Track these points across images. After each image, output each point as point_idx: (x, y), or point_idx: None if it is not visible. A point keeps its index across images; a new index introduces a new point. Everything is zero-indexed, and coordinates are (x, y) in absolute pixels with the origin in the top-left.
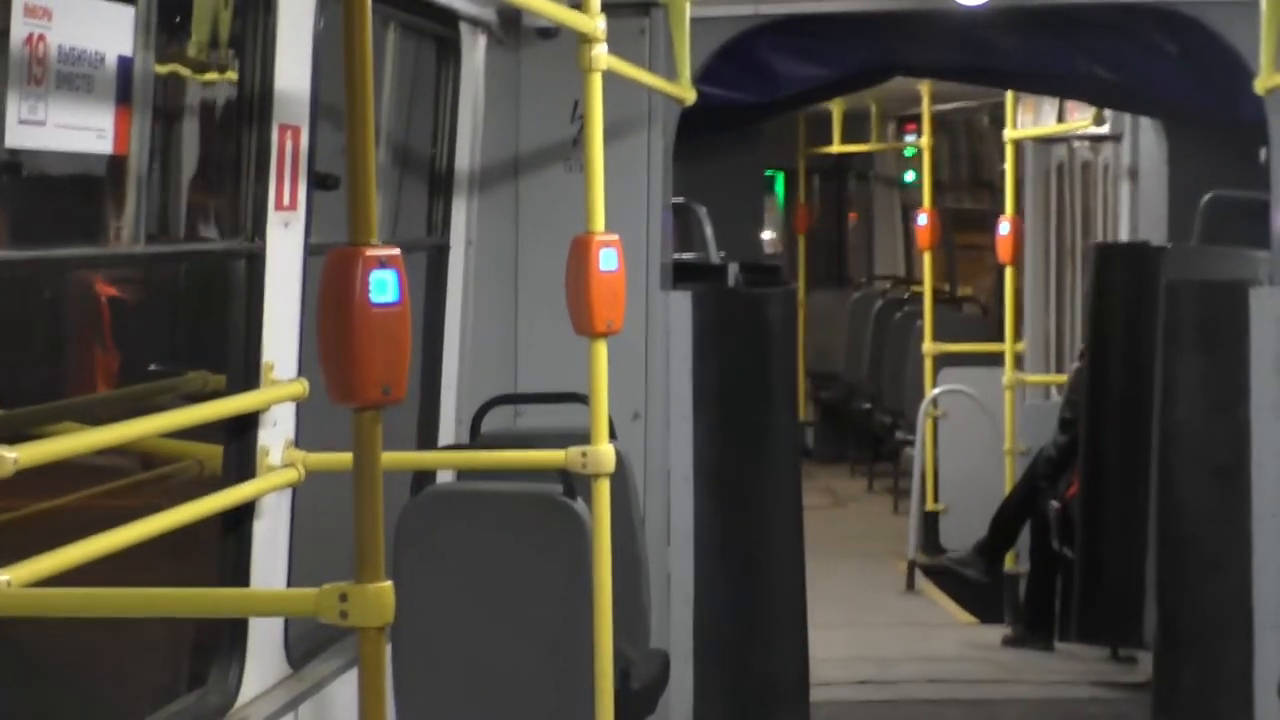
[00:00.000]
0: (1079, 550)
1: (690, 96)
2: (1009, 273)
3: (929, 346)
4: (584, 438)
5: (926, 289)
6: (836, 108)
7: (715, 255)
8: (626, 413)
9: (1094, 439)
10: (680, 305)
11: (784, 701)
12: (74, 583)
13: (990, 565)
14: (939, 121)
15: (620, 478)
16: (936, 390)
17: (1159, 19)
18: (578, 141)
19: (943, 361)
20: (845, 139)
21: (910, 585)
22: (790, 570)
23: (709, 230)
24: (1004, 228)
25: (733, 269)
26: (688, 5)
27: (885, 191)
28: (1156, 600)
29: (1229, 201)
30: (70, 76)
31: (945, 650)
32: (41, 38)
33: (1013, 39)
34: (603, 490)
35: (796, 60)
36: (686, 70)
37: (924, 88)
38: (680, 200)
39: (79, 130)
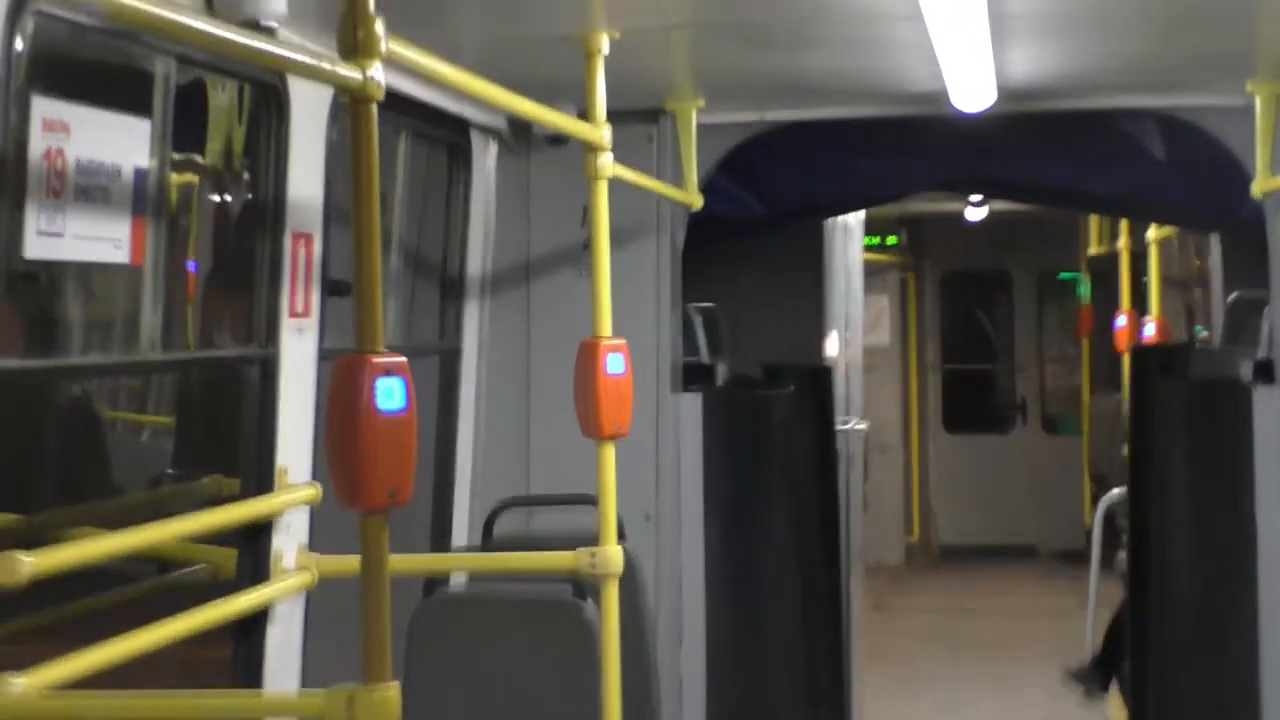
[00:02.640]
0: (1129, 653)
1: (697, 202)
2: None
3: (1129, 448)
4: (593, 539)
5: (1124, 390)
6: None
7: (706, 356)
8: (638, 514)
9: (1136, 542)
10: (690, 407)
11: None
12: (89, 686)
13: (1106, 678)
14: None
15: (630, 579)
16: (1113, 493)
17: (1157, 125)
18: (588, 246)
19: None
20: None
21: (1088, 692)
22: (793, 674)
23: (701, 333)
24: (1149, 329)
25: (721, 370)
26: (694, 113)
27: (1171, 294)
28: (1152, 698)
29: (1253, 301)
30: (88, 189)
31: None
32: (60, 151)
33: (1012, 152)
34: (611, 591)
35: (799, 175)
36: (694, 176)
37: None
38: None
39: (96, 241)
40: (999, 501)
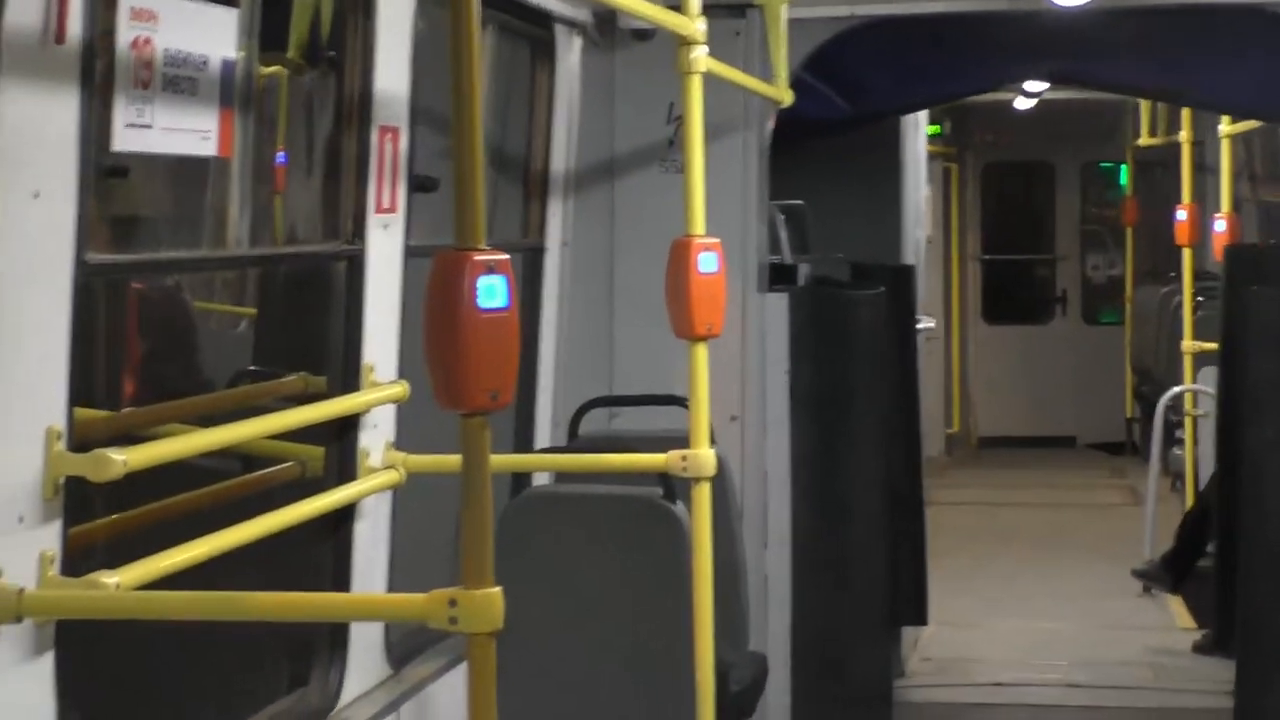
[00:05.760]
0: (1215, 559)
1: (787, 98)
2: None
3: (1187, 344)
4: (681, 440)
5: (1186, 285)
6: (1145, 99)
7: (789, 256)
8: (723, 415)
9: (1225, 442)
10: (777, 307)
11: (879, 704)
12: (180, 585)
13: (1178, 578)
14: None
15: (720, 481)
16: (1173, 390)
17: (1261, 23)
18: (673, 143)
19: (1203, 360)
20: (1171, 130)
21: (1147, 589)
22: (877, 573)
23: (783, 233)
24: (1219, 224)
25: (803, 269)
26: (784, 6)
27: (1215, 185)
28: (1241, 611)
29: None
30: (176, 79)
31: (1121, 655)
32: (147, 41)
33: (1107, 50)
34: (703, 494)
35: (887, 73)
36: (783, 71)
37: None
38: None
39: (184, 133)
40: (1038, 392)
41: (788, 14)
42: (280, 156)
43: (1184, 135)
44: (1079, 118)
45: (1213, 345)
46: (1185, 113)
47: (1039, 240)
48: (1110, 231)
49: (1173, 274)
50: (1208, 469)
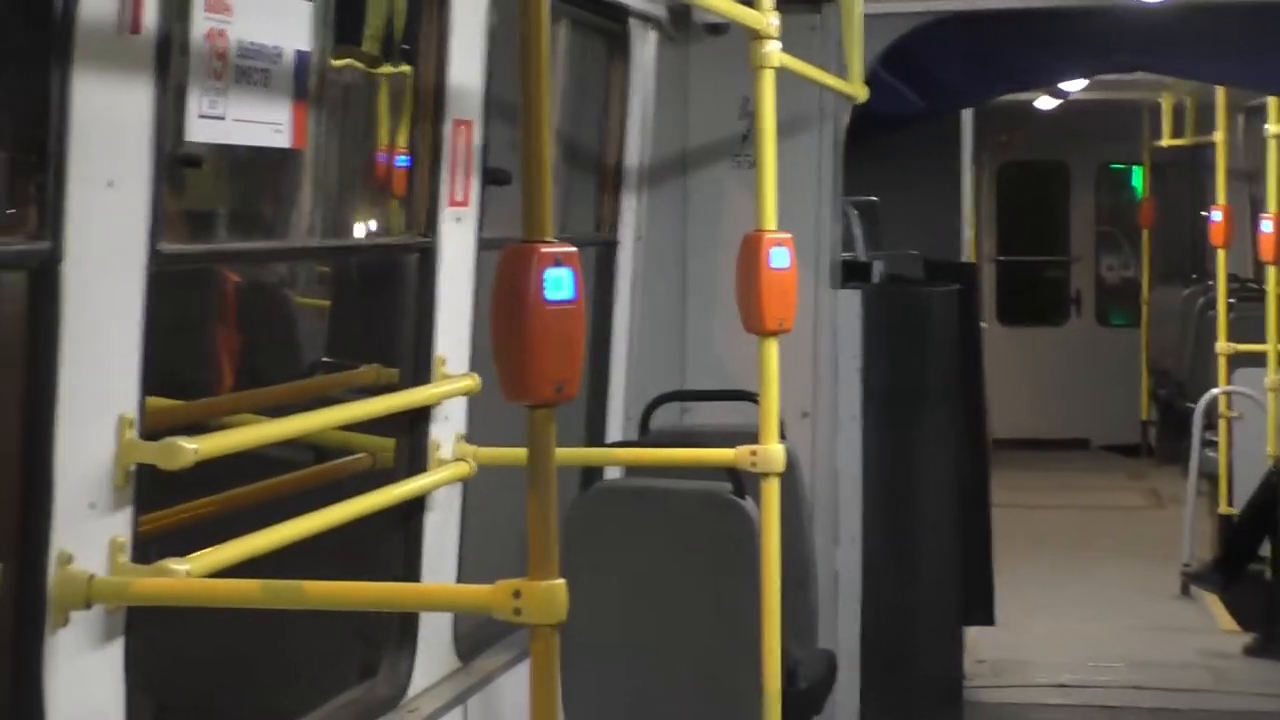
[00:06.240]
0: (1273, 559)
1: (862, 94)
2: (1271, 272)
3: (1221, 346)
4: (752, 436)
5: (1220, 286)
6: (1167, 100)
7: (863, 253)
8: (795, 411)
9: None
10: (850, 303)
11: (949, 703)
12: (250, 574)
13: (1228, 579)
14: None
15: (789, 477)
16: (1212, 393)
17: None
18: (747, 138)
19: (1237, 362)
20: (1197, 130)
21: (1185, 590)
22: (948, 572)
23: (857, 230)
24: (1266, 225)
25: (877, 267)
26: (859, 1)
27: (1237, 186)
28: None
29: None
30: (249, 71)
31: (1174, 657)
32: (222, 33)
33: (1184, 44)
34: (772, 489)
35: (963, 68)
36: (858, 67)
37: None
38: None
39: (257, 124)
40: (1051, 394)
41: (863, 9)
42: (405, 159)
43: (1218, 136)
44: (1095, 118)
45: (1251, 347)
46: (1220, 112)
47: (1053, 242)
48: (1125, 233)
49: (1194, 275)
50: (1242, 471)
